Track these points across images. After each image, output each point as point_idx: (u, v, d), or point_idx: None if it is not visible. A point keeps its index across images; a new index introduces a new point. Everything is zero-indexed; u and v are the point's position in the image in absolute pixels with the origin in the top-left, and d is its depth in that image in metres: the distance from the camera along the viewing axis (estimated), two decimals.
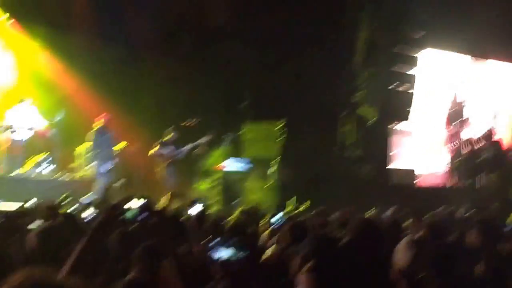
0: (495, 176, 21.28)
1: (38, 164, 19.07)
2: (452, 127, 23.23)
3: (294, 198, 18.51)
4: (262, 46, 20.50)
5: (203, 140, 19.18)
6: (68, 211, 9.40)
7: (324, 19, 20.22)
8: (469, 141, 22.65)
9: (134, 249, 5.28)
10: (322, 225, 8.66)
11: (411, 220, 9.00)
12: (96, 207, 9.39)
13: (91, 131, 18.66)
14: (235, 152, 20.28)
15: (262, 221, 9.18)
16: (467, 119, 23.41)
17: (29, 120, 18.86)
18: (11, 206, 13.60)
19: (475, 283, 4.89)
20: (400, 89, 21.28)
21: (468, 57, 24.61)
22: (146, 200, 8.14)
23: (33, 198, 13.17)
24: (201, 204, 5.99)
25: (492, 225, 7.05)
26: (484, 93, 25.02)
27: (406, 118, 21.67)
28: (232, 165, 19.21)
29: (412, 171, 21.78)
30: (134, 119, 21.56)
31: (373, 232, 5.38)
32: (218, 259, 4.33)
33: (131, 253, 5.22)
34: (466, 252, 5.61)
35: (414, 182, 21.47)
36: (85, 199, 14.81)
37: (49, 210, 8.34)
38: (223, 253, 4.30)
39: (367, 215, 11.95)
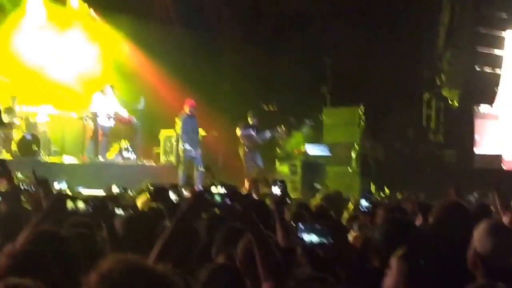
0: None
1: (122, 151, 19.37)
2: None
3: (374, 183, 18.39)
4: (342, 31, 20.33)
5: (283, 127, 19.13)
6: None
7: (404, 1, 19.95)
8: None
9: (221, 234, 5.31)
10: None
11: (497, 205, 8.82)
12: (181, 192, 9.47)
13: (178, 116, 18.76)
14: (316, 137, 20.20)
15: (348, 205, 9.13)
16: None
17: (112, 107, 19.14)
18: (96, 192, 13.85)
19: None
20: (486, 70, 20.74)
21: None
22: (231, 185, 8.17)
23: (118, 183, 13.36)
24: (282, 187, 5.95)
25: None
26: None
27: (492, 101, 21.06)
28: (313, 149, 19.13)
29: (499, 156, 21.18)
30: (215, 105, 21.70)
31: (463, 215, 5.27)
32: (302, 244, 4.31)
33: (219, 238, 5.25)
34: None
35: (501, 167, 20.85)
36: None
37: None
38: (308, 238, 4.27)
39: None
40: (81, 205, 5.24)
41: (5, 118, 17.58)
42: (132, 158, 19.43)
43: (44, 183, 6.65)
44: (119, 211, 6.44)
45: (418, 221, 6.96)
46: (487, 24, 21.18)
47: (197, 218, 4.14)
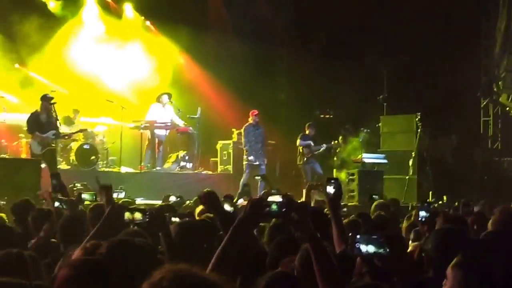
0: None
1: (179, 160, 19.51)
2: None
3: (432, 191, 18.22)
4: (398, 39, 20.23)
5: (339, 139, 19.15)
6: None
7: (461, 9, 19.74)
8: None
9: (279, 242, 5.31)
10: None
11: None
12: (237, 201, 9.51)
13: (244, 126, 18.86)
14: (373, 145, 20.09)
15: (407, 214, 9.05)
16: None
17: (169, 117, 19.29)
18: (153, 202, 13.97)
19: None
20: None
21: None
22: (288, 194, 8.14)
23: (175, 192, 13.46)
24: (336, 184, 5.91)
25: None
26: None
27: None
28: (370, 158, 19.05)
29: None
30: (271, 114, 21.74)
31: None
32: (360, 254, 4.28)
33: (276, 246, 5.25)
34: None
35: None
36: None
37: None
38: (364, 248, 4.24)
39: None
40: (138, 215, 5.29)
41: (65, 129, 17.86)
42: (189, 167, 19.55)
43: (106, 189, 6.73)
44: (176, 221, 6.47)
45: (475, 229, 6.88)
46: None
47: (254, 227, 4.13)
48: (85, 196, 8.08)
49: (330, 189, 5.82)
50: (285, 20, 23.41)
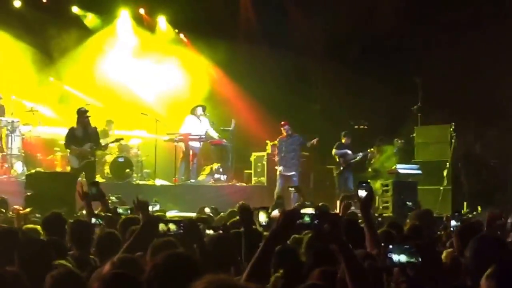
0: None
1: (213, 172, 19.57)
2: None
3: (467, 202, 18.08)
4: (432, 48, 20.13)
5: (374, 148, 19.09)
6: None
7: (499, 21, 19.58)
8: None
9: (314, 253, 5.32)
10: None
11: None
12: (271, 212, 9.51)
13: (279, 137, 18.92)
14: (407, 155, 20.00)
15: (442, 225, 9.02)
16: None
17: (203, 129, 19.37)
18: (187, 214, 14.03)
19: None
20: None
21: None
22: (321, 205, 8.10)
23: (210, 205, 13.52)
24: (368, 188, 5.92)
25: None
26: None
27: None
28: (404, 169, 18.97)
29: None
30: (305, 125, 21.75)
31: None
32: (392, 264, 4.28)
33: (312, 257, 5.25)
34: None
35: None
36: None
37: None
38: (396, 258, 4.25)
39: None
40: (172, 226, 5.34)
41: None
42: (223, 180, 19.61)
43: (143, 206, 6.79)
44: (210, 232, 6.51)
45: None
46: None
47: (286, 239, 4.15)
48: (120, 210, 8.15)
49: (362, 193, 5.84)
50: (318, 31, 23.40)
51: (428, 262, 4.63)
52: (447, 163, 18.90)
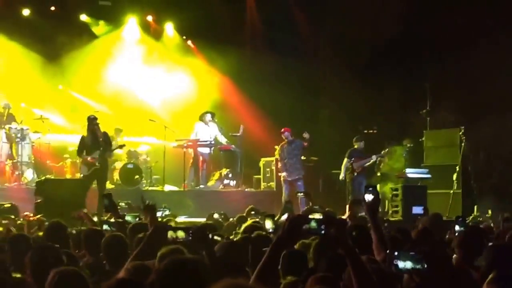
0: None
1: (222, 178, 19.61)
2: None
3: (477, 205, 18.05)
4: (441, 53, 20.12)
5: (386, 149, 19.05)
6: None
7: (508, 20, 19.52)
8: None
9: (326, 259, 5.33)
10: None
11: None
12: (278, 218, 9.55)
13: (281, 143, 18.94)
14: (415, 158, 19.99)
15: (448, 228, 9.02)
16: None
17: (212, 135, 19.42)
18: (197, 220, 14.08)
19: None
20: None
21: None
22: (329, 210, 8.12)
23: (219, 210, 13.57)
24: (374, 192, 5.95)
25: None
26: None
27: None
28: (413, 173, 18.95)
29: None
30: (314, 130, 21.73)
31: None
32: (397, 270, 4.30)
33: (323, 263, 5.27)
34: None
35: None
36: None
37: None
38: (402, 265, 4.27)
39: None
40: (181, 234, 5.37)
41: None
42: (232, 185, 19.65)
43: (150, 209, 6.82)
44: (218, 238, 6.54)
45: None
46: None
47: (293, 244, 4.17)
48: (128, 218, 8.21)
49: (369, 197, 5.86)
50: (326, 37, 23.44)
51: (435, 268, 4.64)
52: (457, 167, 18.87)
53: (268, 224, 7.37)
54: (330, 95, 23.53)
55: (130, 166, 18.30)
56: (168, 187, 19.00)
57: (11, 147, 17.90)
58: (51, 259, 5.64)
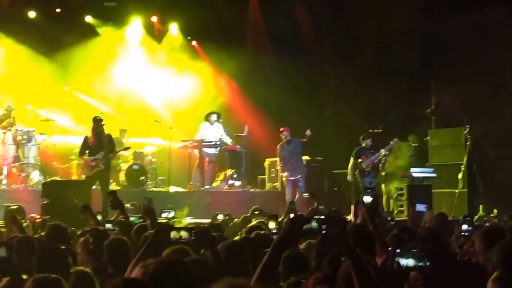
0: None
1: (227, 178, 19.63)
2: None
3: (482, 204, 18.04)
4: (447, 50, 20.09)
5: (396, 139, 18.97)
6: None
7: None
8: None
9: (327, 258, 5.35)
10: None
11: None
12: (283, 219, 9.58)
13: (280, 143, 18.96)
14: (421, 158, 19.98)
15: (456, 228, 9.03)
16: None
17: (217, 136, 19.44)
18: (201, 221, 14.11)
19: None
20: None
21: None
22: (335, 210, 8.12)
23: (224, 211, 13.58)
24: (373, 194, 5.98)
25: None
26: None
27: None
28: (418, 172, 18.93)
29: None
30: (318, 130, 21.75)
31: None
32: (399, 268, 4.32)
33: (325, 262, 5.29)
34: None
35: None
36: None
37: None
38: (404, 262, 4.28)
39: None
40: (184, 234, 5.41)
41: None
42: (237, 185, 19.67)
43: (150, 212, 6.86)
44: (221, 238, 6.58)
45: None
46: None
47: (294, 244, 4.19)
48: (132, 219, 8.24)
49: (367, 199, 5.88)
50: (330, 36, 23.47)
51: (445, 264, 4.66)
52: (462, 166, 18.87)
53: (272, 225, 7.40)
54: (335, 95, 23.56)
55: (135, 167, 18.33)
56: (173, 188, 19.02)
57: (17, 149, 17.95)
58: (57, 262, 5.68)
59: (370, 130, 19.77)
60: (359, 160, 18.49)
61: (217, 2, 21.64)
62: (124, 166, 18.47)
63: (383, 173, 19.25)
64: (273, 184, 20.20)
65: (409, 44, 20.99)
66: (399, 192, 18.30)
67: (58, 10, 21.57)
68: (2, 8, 20.98)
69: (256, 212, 12.65)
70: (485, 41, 19.65)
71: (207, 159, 19.39)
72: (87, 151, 16.12)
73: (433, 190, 18.41)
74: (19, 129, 17.87)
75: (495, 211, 16.77)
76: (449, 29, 19.94)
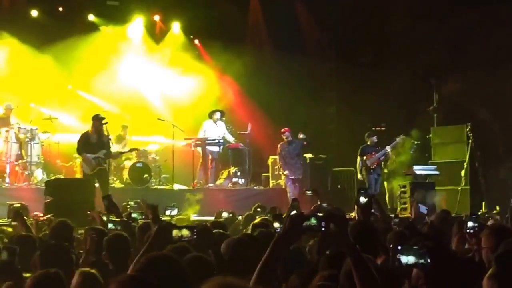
0: None
1: (231, 176, 19.64)
2: None
3: (485, 202, 18.04)
4: (447, 49, 20.09)
5: (399, 137, 18.99)
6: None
7: None
8: None
9: (327, 256, 5.35)
10: None
11: None
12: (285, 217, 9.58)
13: (281, 143, 19.04)
14: (424, 156, 19.99)
15: (455, 225, 9.02)
16: None
17: (221, 133, 19.45)
18: (205, 218, 14.14)
19: None
20: None
21: None
22: (337, 208, 8.12)
23: (228, 208, 13.59)
24: (366, 194, 5.98)
25: None
26: None
27: None
28: (421, 170, 18.95)
29: None
30: (322, 128, 21.79)
31: None
32: (400, 265, 4.32)
33: (324, 260, 5.30)
34: None
35: None
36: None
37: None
38: (406, 258, 4.29)
39: None
40: (186, 232, 5.41)
41: (116, 147, 18.19)
42: (241, 183, 19.68)
43: (153, 209, 6.86)
44: (223, 237, 6.59)
45: None
46: None
47: (294, 242, 4.18)
48: (135, 215, 8.27)
49: (362, 199, 5.88)
50: (332, 34, 23.48)
51: (447, 262, 4.66)
52: (465, 163, 18.87)
53: (276, 225, 7.42)
54: (338, 93, 23.57)
55: (139, 165, 18.34)
56: (177, 186, 19.04)
57: (20, 147, 17.96)
58: (61, 259, 5.69)
59: (373, 129, 19.80)
60: (364, 157, 18.56)
61: (220, 1, 21.66)
62: (128, 164, 18.49)
63: (385, 171, 19.27)
64: (277, 182, 20.22)
65: (410, 41, 20.98)
66: (402, 189, 18.30)
67: (60, 9, 21.60)
68: (4, 6, 21.00)
69: (259, 209, 12.65)
70: (486, 39, 19.63)
71: (210, 157, 19.42)
72: (87, 149, 16.14)
73: (436, 188, 18.41)
74: (22, 127, 17.86)
75: (498, 208, 16.78)
76: (451, 27, 19.96)
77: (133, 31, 22.37)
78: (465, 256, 6.75)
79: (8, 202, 14.80)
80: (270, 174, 20.61)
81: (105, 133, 16.23)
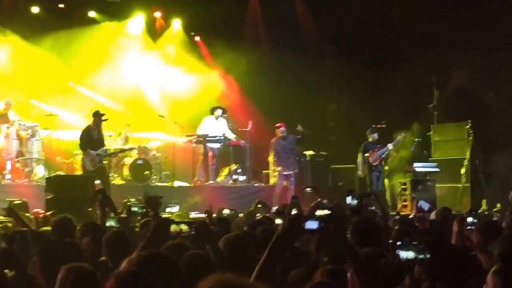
0: None
1: (232, 173, 19.63)
2: None
3: (485, 199, 18.03)
4: (448, 46, 20.06)
5: (400, 135, 18.98)
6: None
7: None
8: None
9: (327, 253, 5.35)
10: None
11: None
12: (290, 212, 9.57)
13: (275, 138, 19.05)
14: (424, 153, 19.98)
15: (455, 222, 9.02)
16: None
17: (221, 130, 19.44)
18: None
19: None
20: None
21: None
22: (337, 205, 8.11)
23: (229, 205, 13.57)
24: (353, 195, 5.97)
25: None
26: None
27: None
28: (421, 167, 18.94)
29: None
30: (322, 125, 21.78)
31: None
32: (399, 260, 4.31)
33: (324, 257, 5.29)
34: None
35: None
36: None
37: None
38: (404, 255, 4.28)
39: None
40: (184, 227, 5.41)
41: (114, 144, 18.23)
42: (241, 180, 19.66)
43: (153, 202, 6.84)
44: (222, 233, 6.57)
45: None
46: None
47: (292, 242, 4.16)
48: (135, 209, 8.24)
49: (349, 200, 5.87)
50: (333, 31, 23.47)
51: (447, 257, 4.66)
52: (465, 161, 18.85)
53: (278, 221, 7.44)
54: (338, 90, 23.57)
55: (140, 162, 18.35)
56: (177, 183, 19.03)
57: (21, 144, 17.96)
58: (61, 255, 5.68)
59: (374, 125, 19.82)
60: (366, 154, 18.55)
61: None
62: (128, 161, 18.49)
63: (386, 168, 19.27)
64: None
65: (411, 39, 20.96)
66: (403, 186, 18.30)
67: (61, 5, 21.60)
68: (5, 3, 21.00)
69: (260, 206, 12.63)
70: (486, 38, 19.62)
71: (210, 154, 19.40)
72: (90, 145, 16.15)
73: (436, 185, 18.42)
74: (22, 124, 17.87)
75: (498, 205, 16.76)
76: (450, 25, 19.95)
77: (133, 28, 22.36)
78: (466, 251, 6.76)
79: (8, 199, 14.79)
80: (271, 171, 20.55)
81: (101, 130, 16.26)
